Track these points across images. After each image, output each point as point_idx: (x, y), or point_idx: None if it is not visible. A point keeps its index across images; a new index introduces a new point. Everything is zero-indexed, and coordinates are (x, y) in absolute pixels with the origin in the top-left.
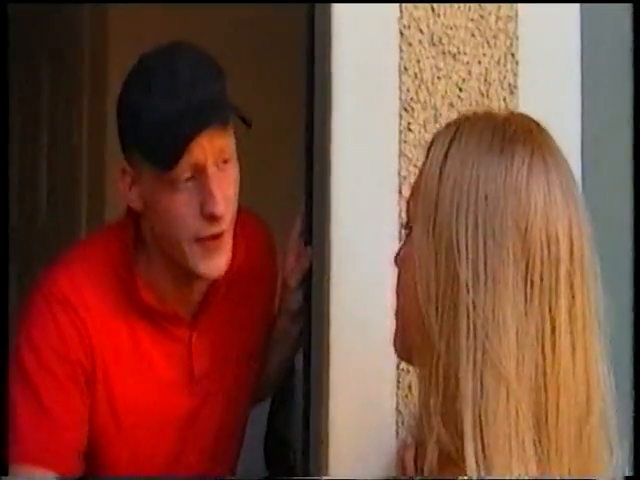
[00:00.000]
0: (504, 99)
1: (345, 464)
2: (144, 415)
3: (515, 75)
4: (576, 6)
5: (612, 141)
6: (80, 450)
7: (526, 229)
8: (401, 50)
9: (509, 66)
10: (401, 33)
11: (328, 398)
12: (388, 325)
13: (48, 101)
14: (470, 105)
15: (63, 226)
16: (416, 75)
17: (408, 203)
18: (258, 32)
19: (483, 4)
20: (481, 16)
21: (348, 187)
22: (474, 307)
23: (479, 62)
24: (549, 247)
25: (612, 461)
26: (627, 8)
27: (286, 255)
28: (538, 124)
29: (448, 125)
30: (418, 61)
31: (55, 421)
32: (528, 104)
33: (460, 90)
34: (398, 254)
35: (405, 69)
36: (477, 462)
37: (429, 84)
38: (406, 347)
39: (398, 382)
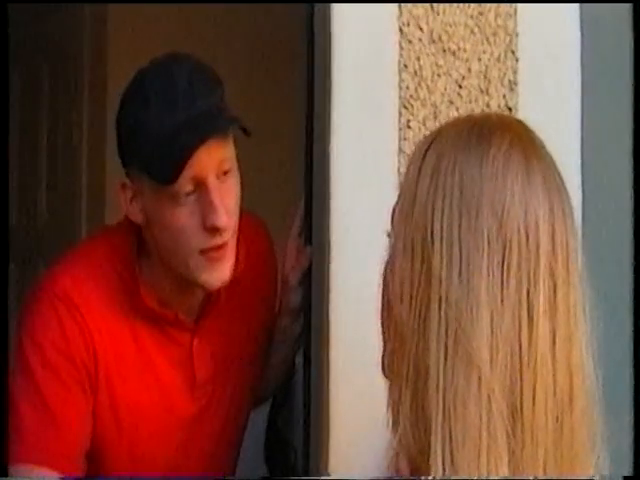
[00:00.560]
0: (504, 96)
1: (345, 464)
2: (145, 417)
3: (515, 72)
4: (576, 3)
5: (613, 138)
6: (82, 450)
7: (502, 214)
8: (401, 47)
9: (509, 63)
10: (401, 30)
11: (328, 397)
12: None
13: (48, 101)
14: (470, 102)
15: (63, 226)
16: (416, 72)
17: (393, 211)
18: (258, 31)
19: None
20: (480, 13)
21: (347, 185)
22: (447, 293)
23: (479, 59)
24: (527, 234)
25: (594, 458)
26: (627, 5)
27: (286, 254)
28: (519, 120)
29: (430, 133)
30: (418, 58)
31: (58, 420)
32: (528, 101)
33: (460, 87)
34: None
35: (405, 66)
36: (443, 452)
37: (429, 81)
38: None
39: None
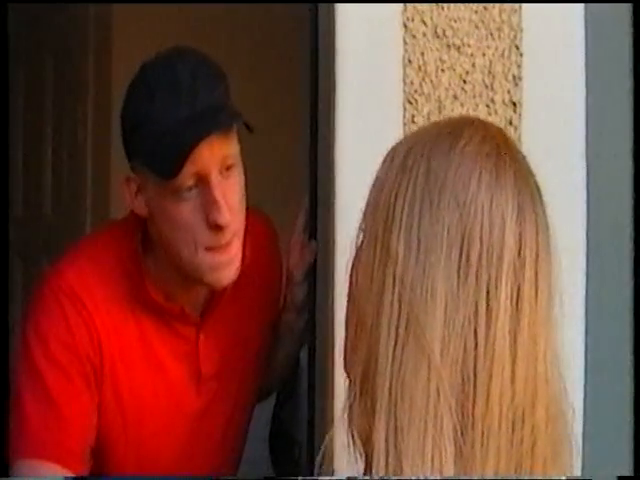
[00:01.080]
0: (508, 91)
1: (349, 459)
2: (150, 412)
3: (519, 67)
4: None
5: (617, 132)
6: (88, 445)
7: (465, 203)
8: (405, 43)
9: (513, 58)
10: (405, 26)
11: (333, 392)
12: None
13: (53, 97)
14: (474, 97)
15: (69, 222)
16: (420, 67)
17: (365, 206)
18: (262, 26)
19: None
20: (485, 8)
21: (352, 180)
22: (402, 276)
23: (483, 54)
24: (492, 228)
25: (565, 466)
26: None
27: (290, 249)
28: (499, 127)
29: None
30: (422, 53)
31: (63, 415)
32: (532, 96)
33: (464, 82)
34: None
35: (409, 62)
36: (387, 440)
37: (433, 76)
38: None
39: None
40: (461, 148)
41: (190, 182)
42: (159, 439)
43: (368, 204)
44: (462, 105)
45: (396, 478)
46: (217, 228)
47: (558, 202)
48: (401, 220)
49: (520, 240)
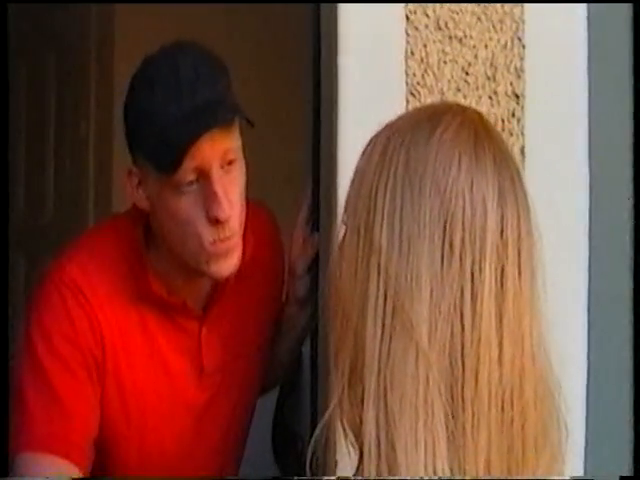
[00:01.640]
0: (511, 83)
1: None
2: (153, 405)
3: (522, 59)
4: None
5: (619, 125)
6: (91, 438)
7: (445, 188)
8: (407, 35)
9: (516, 50)
10: (407, 18)
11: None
12: None
13: (55, 94)
14: (476, 89)
15: (71, 219)
16: (422, 59)
17: (346, 198)
18: (264, 18)
19: None
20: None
21: None
22: (386, 265)
23: (485, 46)
24: (473, 213)
25: (559, 450)
26: None
27: (293, 243)
28: (479, 112)
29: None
30: (424, 45)
31: (66, 408)
32: (534, 88)
33: (466, 74)
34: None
35: (411, 54)
36: (378, 428)
37: (435, 69)
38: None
39: None
40: (440, 135)
41: (191, 176)
42: (162, 432)
43: (349, 197)
44: (465, 97)
45: (390, 478)
46: (217, 222)
47: (560, 194)
48: (383, 210)
49: (502, 222)
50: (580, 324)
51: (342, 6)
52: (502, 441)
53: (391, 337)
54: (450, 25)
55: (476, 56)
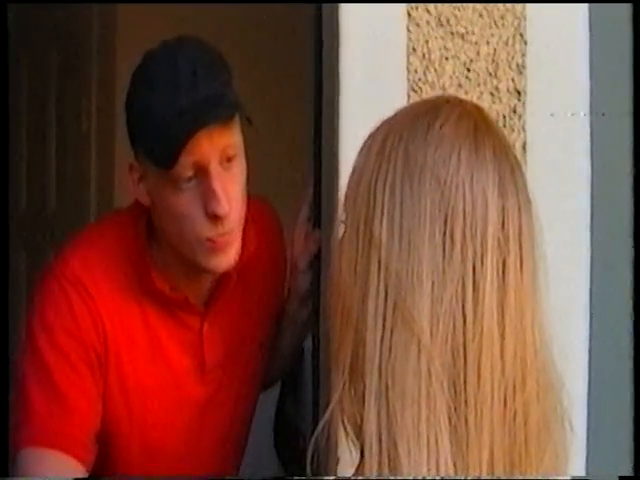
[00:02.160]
0: (512, 79)
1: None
2: (155, 401)
3: (523, 55)
4: None
5: (620, 121)
6: (93, 433)
7: (445, 181)
8: (409, 31)
9: (517, 46)
10: (409, 14)
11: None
12: None
13: (57, 89)
14: (478, 85)
15: (73, 214)
16: (424, 56)
17: (345, 195)
18: (266, 14)
19: None
20: None
21: None
22: (386, 260)
23: (487, 42)
24: (474, 204)
25: (562, 444)
26: None
27: (294, 239)
28: (476, 104)
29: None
30: (426, 42)
31: (68, 403)
32: (536, 84)
33: (468, 70)
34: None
35: (413, 50)
36: (379, 424)
37: (437, 65)
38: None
39: None
40: (438, 128)
41: (189, 172)
42: (164, 428)
43: (348, 195)
44: (466, 93)
45: (391, 478)
46: (216, 218)
47: (561, 189)
48: (383, 206)
49: (503, 213)
50: (581, 323)
51: (344, 3)
52: (505, 435)
53: (392, 332)
54: (452, 21)
55: (478, 52)
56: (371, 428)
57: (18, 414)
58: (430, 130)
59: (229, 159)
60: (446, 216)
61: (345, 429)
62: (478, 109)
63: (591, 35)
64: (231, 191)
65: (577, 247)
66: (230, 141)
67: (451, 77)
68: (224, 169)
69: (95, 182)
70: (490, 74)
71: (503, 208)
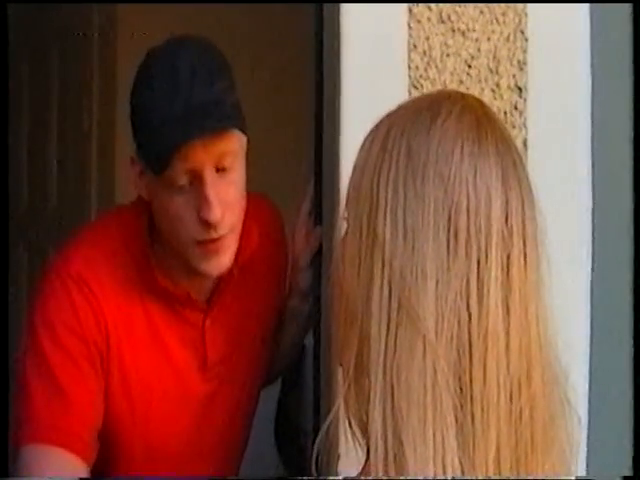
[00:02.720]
0: (513, 76)
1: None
2: (157, 397)
3: (524, 52)
4: None
5: (621, 117)
6: (95, 429)
7: (449, 177)
8: (410, 27)
9: (518, 43)
10: (410, 10)
11: (339, 379)
12: None
13: (58, 86)
14: (479, 82)
15: (74, 212)
16: (425, 52)
17: (347, 193)
18: (267, 12)
19: None
20: None
21: None
22: (390, 258)
23: (488, 39)
24: (478, 200)
25: (569, 439)
26: None
27: (295, 235)
28: (478, 98)
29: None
30: (427, 38)
31: (70, 399)
32: (537, 81)
33: (469, 67)
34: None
35: (414, 46)
36: (385, 423)
37: (438, 61)
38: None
39: None
40: (441, 123)
41: (184, 179)
42: (166, 424)
43: (349, 193)
44: (467, 90)
45: (398, 478)
46: (208, 224)
47: (562, 186)
48: (386, 202)
49: (506, 208)
50: (582, 321)
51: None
52: (512, 431)
53: (397, 330)
54: (453, 18)
55: (479, 49)
56: (376, 427)
57: (19, 411)
58: (432, 125)
59: (225, 165)
60: (450, 213)
61: (351, 428)
62: (480, 103)
63: (592, 31)
64: (226, 197)
65: (578, 244)
66: (227, 148)
67: (452, 74)
68: (220, 175)
69: (96, 180)
70: (491, 71)
71: (507, 202)
